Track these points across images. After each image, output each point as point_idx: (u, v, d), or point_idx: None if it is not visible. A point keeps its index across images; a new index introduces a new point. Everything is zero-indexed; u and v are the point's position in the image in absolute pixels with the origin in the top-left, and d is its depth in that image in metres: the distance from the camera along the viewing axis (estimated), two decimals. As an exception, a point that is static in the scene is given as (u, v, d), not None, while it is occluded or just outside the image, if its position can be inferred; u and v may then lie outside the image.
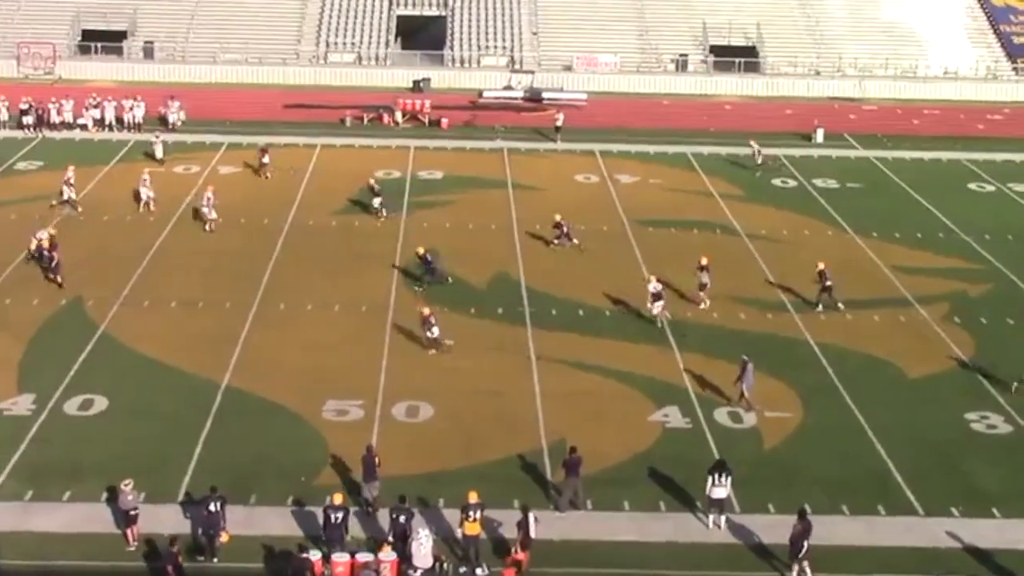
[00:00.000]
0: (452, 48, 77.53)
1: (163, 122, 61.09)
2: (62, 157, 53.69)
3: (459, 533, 25.68)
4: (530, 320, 38.38)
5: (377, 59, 77.01)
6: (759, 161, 56.49)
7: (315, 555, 24.48)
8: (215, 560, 25.31)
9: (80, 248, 43.06)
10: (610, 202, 51.25)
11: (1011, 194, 54.71)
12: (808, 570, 25.18)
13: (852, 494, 28.55)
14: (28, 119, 59.22)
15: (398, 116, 64.31)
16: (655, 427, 31.69)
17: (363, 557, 24.56)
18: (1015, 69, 77.98)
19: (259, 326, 37.33)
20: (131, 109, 60.35)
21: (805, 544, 25.04)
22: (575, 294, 40.33)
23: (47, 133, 59.35)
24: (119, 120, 60.46)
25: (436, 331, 35.43)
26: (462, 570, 24.84)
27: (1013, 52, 78.61)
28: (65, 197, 47.36)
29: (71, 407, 31.81)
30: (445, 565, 24.98)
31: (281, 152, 56.16)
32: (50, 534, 26.05)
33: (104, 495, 27.36)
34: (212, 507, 25.35)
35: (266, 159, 53.29)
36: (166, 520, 26.44)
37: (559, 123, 61.24)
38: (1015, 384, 34.08)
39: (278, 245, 44.54)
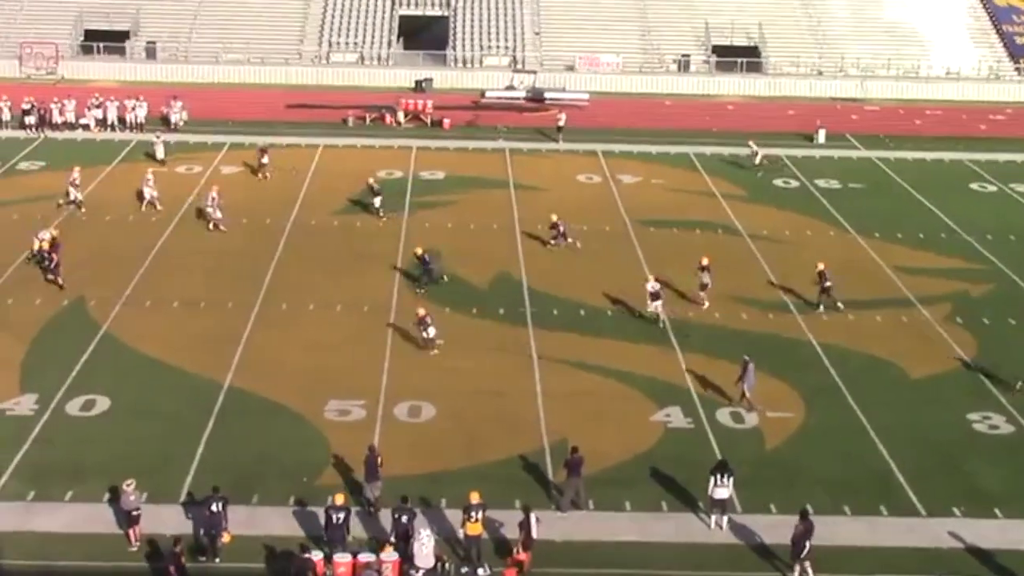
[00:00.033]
0: (454, 48, 77.51)
1: (165, 122, 61.11)
2: (64, 157, 53.76)
3: (461, 533, 25.69)
4: (532, 320, 38.38)
5: (379, 59, 76.99)
6: (756, 161, 56.49)
7: (317, 555, 24.52)
8: (217, 560, 25.34)
9: (82, 248, 43.10)
10: (612, 202, 51.25)
11: (1013, 194, 54.66)
12: (810, 570, 25.19)
13: (854, 494, 28.56)
14: (30, 119, 59.21)
15: (400, 116, 64.27)
16: (657, 427, 31.70)
17: (365, 557, 24.59)
18: (1017, 69, 77.88)
19: (261, 326, 37.35)
20: (133, 109, 60.40)
21: (807, 544, 25.06)
22: (577, 294, 40.33)
23: (49, 133, 59.37)
24: (121, 120, 60.50)
25: (432, 331, 35.43)
26: (464, 570, 24.82)
27: (1015, 52, 78.51)
28: (72, 198, 47.44)
29: (73, 407, 31.84)
30: (447, 565, 25.00)
31: (283, 152, 56.20)
32: (52, 534, 26.08)
33: (106, 495, 27.39)
34: (214, 507, 25.38)
35: (265, 159, 53.29)
36: (168, 520, 26.47)
37: (561, 123, 61.22)
38: (1019, 383, 34.08)
39: (280, 245, 44.56)
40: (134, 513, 25.73)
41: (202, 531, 25.71)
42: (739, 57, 77.18)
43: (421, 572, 24.47)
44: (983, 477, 29.65)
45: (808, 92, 75.50)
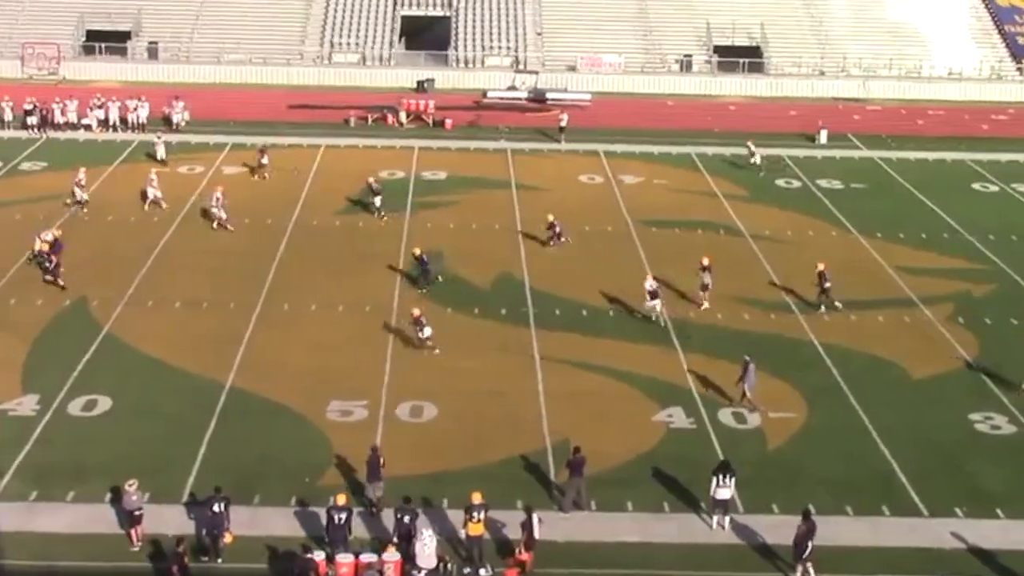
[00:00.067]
0: (456, 48, 77.52)
1: (167, 122, 61.13)
2: (66, 158, 53.84)
3: (463, 533, 25.68)
4: (533, 320, 38.37)
5: (381, 59, 77.02)
6: (753, 162, 56.46)
7: (319, 555, 24.52)
8: (219, 560, 25.33)
9: (84, 248, 43.11)
10: (614, 202, 51.24)
11: (1015, 194, 54.64)
12: (812, 571, 25.17)
13: (856, 495, 28.54)
14: (32, 119, 59.26)
15: (402, 116, 64.30)
16: (659, 427, 31.69)
17: (367, 558, 24.59)
18: (1019, 69, 77.87)
19: (263, 326, 37.35)
20: (135, 109, 60.45)
21: (809, 545, 25.03)
22: (578, 294, 40.31)
23: (51, 133, 59.41)
24: (123, 120, 60.53)
25: (428, 331, 35.42)
26: (466, 571, 24.80)
27: (1017, 52, 78.48)
28: (78, 198, 47.48)
29: (75, 407, 31.84)
30: (449, 566, 24.99)
31: (285, 152, 56.23)
32: (54, 534, 26.08)
33: (108, 495, 27.38)
34: (216, 507, 25.37)
35: (264, 159, 53.30)
36: (170, 520, 26.46)
37: (563, 123, 61.24)
38: (1023, 383, 34.05)
39: (282, 245, 44.56)
40: (136, 513, 25.72)
41: (204, 531, 25.70)
42: (741, 57, 77.18)
43: (423, 572, 24.46)
44: (985, 477, 29.62)
45: (810, 92, 75.51)
